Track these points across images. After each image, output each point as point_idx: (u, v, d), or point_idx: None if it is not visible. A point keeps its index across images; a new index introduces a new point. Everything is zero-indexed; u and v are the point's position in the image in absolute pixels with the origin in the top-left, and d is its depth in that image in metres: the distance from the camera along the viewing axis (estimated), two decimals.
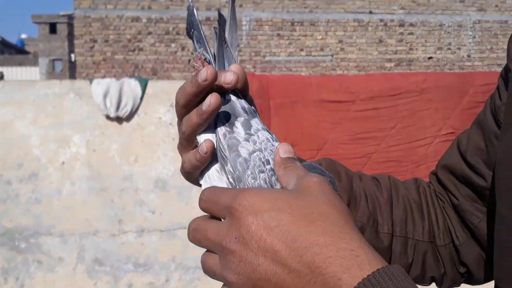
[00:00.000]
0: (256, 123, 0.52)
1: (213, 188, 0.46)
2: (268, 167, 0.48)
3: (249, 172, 0.48)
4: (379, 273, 0.35)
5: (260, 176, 0.48)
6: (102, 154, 3.15)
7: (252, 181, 0.48)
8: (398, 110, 3.25)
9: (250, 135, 0.51)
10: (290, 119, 3.15)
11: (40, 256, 3.06)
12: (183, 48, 11.29)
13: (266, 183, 0.47)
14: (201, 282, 3.09)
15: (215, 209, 0.43)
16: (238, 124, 0.51)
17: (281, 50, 11.38)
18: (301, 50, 11.40)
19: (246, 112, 0.52)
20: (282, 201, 0.39)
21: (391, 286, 0.34)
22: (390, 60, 11.24)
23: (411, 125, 3.25)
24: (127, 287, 3.08)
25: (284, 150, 0.48)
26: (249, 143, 0.50)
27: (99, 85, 3.15)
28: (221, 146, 0.51)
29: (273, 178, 0.48)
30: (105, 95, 3.12)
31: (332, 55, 11.39)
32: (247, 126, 0.51)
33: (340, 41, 11.37)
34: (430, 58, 11.03)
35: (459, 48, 11.14)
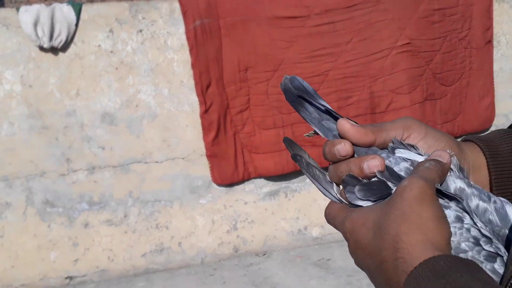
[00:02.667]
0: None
1: (331, 208, 0.56)
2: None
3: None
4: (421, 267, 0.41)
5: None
6: (39, 90, 2.88)
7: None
8: (355, 23, 3.10)
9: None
10: (243, 40, 2.95)
11: None
12: None
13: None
14: (161, 214, 3.00)
15: (334, 224, 0.55)
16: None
17: None
18: None
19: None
20: (370, 221, 0.48)
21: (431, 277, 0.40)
22: None
23: (368, 38, 3.12)
24: (84, 226, 2.96)
25: (434, 154, 0.52)
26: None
27: (28, 13, 2.80)
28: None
29: None
30: (35, 24, 2.80)
31: None
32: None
33: None
34: None
35: None
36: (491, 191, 0.55)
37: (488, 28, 3.29)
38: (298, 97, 0.57)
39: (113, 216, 2.96)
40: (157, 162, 2.98)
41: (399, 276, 0.42)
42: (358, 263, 0.51)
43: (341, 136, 0.55)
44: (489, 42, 3.31)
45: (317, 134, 0.58)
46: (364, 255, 0.48)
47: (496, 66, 3.31)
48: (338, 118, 0.55)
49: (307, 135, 0.59)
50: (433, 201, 0.45)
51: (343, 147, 0.53)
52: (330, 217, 0.54)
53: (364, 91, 3.15)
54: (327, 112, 0.57)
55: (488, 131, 3.43)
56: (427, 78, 3.26)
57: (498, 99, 3.34)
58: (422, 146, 0.53)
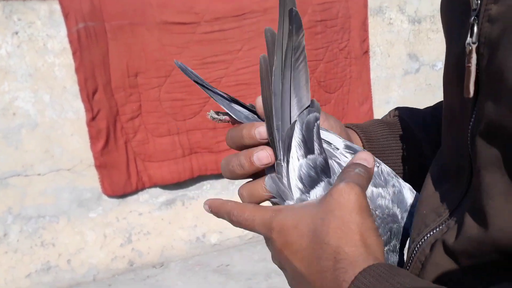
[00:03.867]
0: None
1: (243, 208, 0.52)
2: None
3: None
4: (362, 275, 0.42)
5: None
6: None
7: None
8: (244, 31, 3.16)
9: None
10: (132, 44, 2.84)
11: None
12: None
13: None
14: (47, 230, 2.75)
15: (252, 224, 0.51)
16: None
17: None
18: None
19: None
20: (304, 225, 0.47)
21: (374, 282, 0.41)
22: None
23: (257, 46, 3.20)
24: None
25: (359, 156, 0.51)
26: None
27: None
28: None
29: None
30: None
31: None
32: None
33: None
34: None
35: None
36: None
37: (365, 39, 3.56)
38: (196, 82, 0.53)
39: None
40: (39, 174, 2.73)
41: (340, 285, 0.43)
42: (280, 263, 0.51)
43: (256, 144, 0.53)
44: (366, 52, 3.58)
45: (226, 116, 0.53)
46: (295, 259, 0.47)
47: (372, 75, 3.59)
48: (244, 106, 0.55)
49: (213, 117, 0.54)
50: (369, 211, 0.47)
51: (266, 155, 0.52)
52: (243, 218, 0.51)
53: (255, 98, 3.21)
54: (232, 99, 0.53)
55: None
56: (312, 86, 3.43)
57: (376, 105, 3.62)
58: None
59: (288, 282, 0.52)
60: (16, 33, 2.70)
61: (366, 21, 3.55)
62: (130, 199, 2.92)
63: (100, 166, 2.79)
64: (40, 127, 2.74)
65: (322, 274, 0.44)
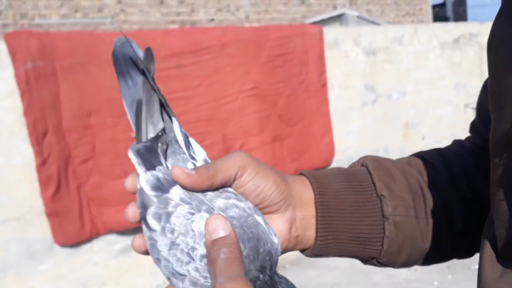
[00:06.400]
0: (171, 196, 0.48)
1: None
2: (196, 253, 0.44)
3: (173, 274, 0.45)
4: None
5: (188, 270, 0.44)
6: None
7: (180, 284, 0.44)
8: (202, 67, 3.09)
9: (165, 223, 0.46)
10: (83, 83, 2.70)
11: None
12: None
13: (198, 271, 0.44)
14: None
15: None
16: (149, 218, 0.47)
17: (53, 12, 10.13)
18: (76, 11, 10.34)
19: (157, 189, 0.48)
20: None
21: None
22: (173, 22, 11.05)
23: (216, 82, 3.14)
24: None
25: (211, 228, 0.43)
26: (165, 236, 0.46)
27: None
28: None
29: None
30: None
31: (112, 17, 10.63)
32: (158, 216, 0.47)
33: (120, 2, 10.69)
34: (212, 20, 11.24)
35: (237, 10, 11.59)
36: (316, 227, 0.54)
37: (322, 72, 3.57)
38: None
39: None
40: None
41: None
42: None
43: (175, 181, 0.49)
44: (324, 85, 3.59)
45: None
46: None
47: (332, 107, 3.58)
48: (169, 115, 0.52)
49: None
50: None
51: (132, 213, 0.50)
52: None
53: (217, 134, 3.13)
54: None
55: (330, 167, 3.67)
56: (273, 120, 3.38)
57: (337, 137, 3.61)
58: (251, 188, 0.50)
59: None
60: None
61: (322, 54, 3.56)
62: (84, 248, 2.72)
63: (51, 214, 2.59)
64: None
65: None
